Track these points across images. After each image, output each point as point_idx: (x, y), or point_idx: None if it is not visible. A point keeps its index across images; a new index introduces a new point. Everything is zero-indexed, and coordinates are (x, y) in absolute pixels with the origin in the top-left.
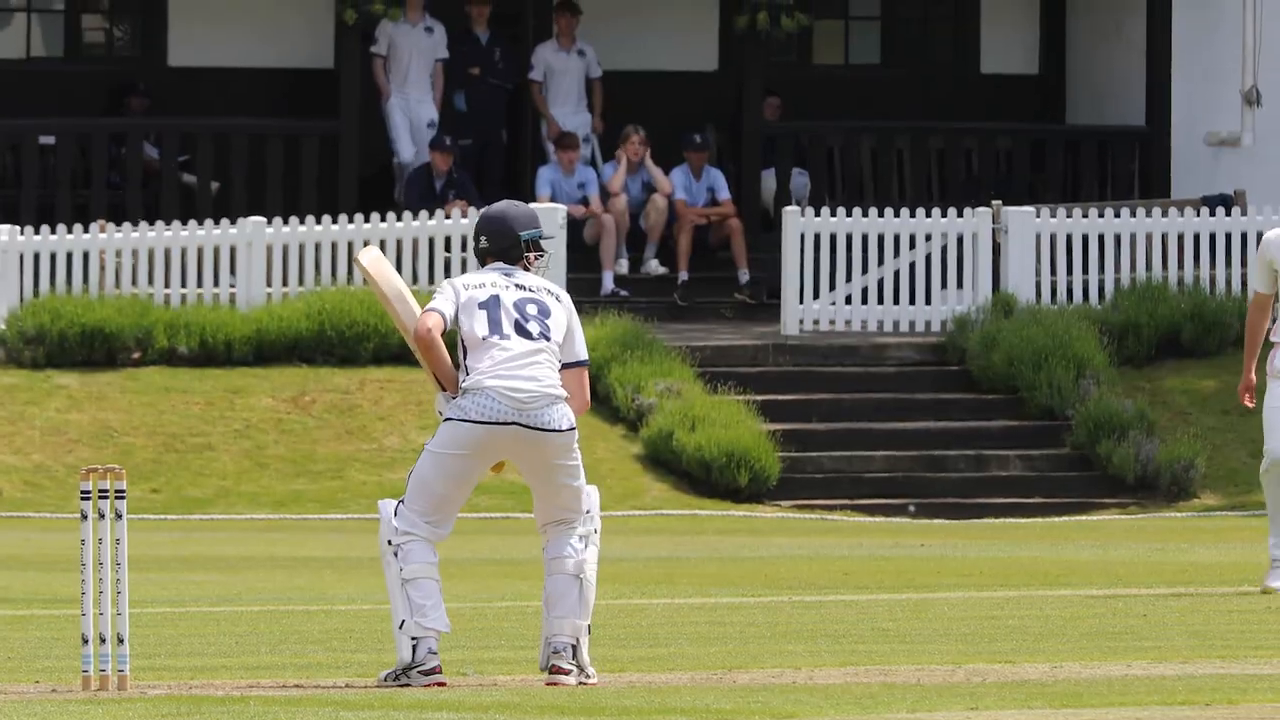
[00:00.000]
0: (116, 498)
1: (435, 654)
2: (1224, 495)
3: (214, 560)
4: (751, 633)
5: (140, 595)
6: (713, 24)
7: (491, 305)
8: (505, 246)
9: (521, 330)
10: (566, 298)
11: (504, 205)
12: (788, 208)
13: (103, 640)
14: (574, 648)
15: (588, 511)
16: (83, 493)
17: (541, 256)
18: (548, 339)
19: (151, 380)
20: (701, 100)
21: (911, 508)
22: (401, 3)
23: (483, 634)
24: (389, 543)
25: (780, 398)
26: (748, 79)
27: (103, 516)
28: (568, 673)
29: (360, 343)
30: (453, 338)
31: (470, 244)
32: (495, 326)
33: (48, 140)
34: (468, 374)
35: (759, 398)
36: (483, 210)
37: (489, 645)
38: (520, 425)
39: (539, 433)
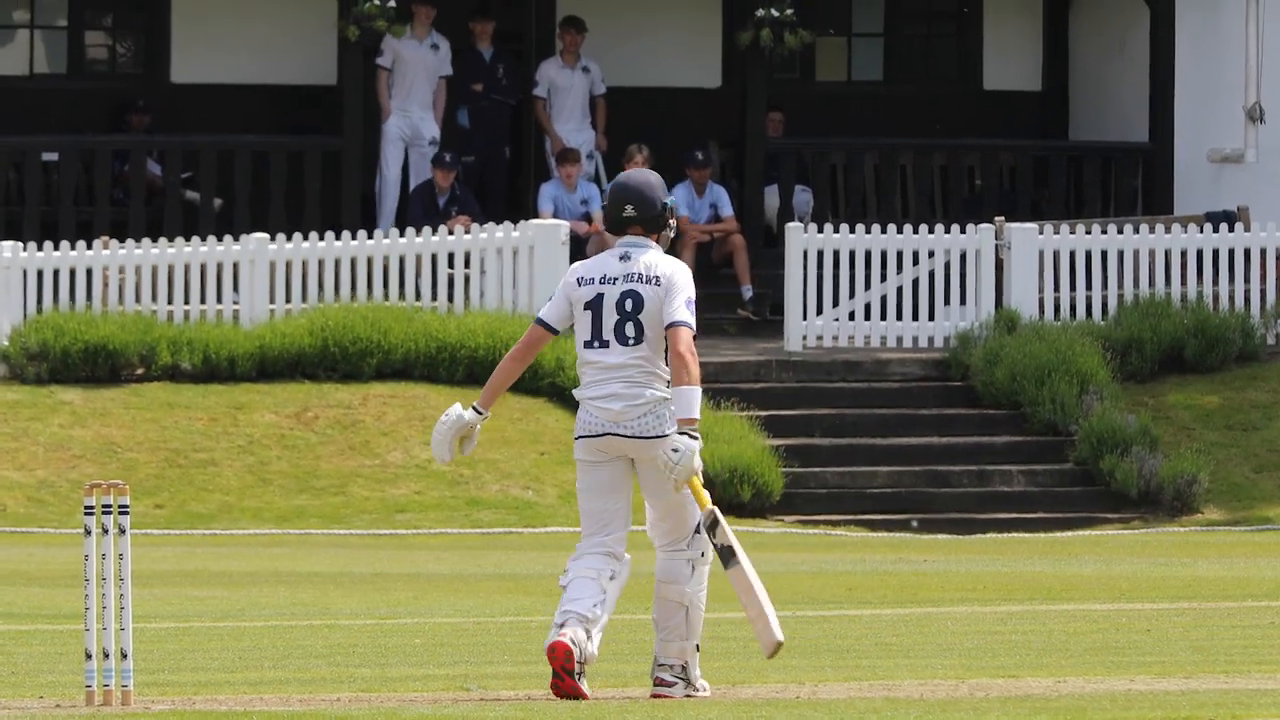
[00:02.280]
0: (120, 513)
1: (561, 628)
2: (1227, 510)
3: (217, 575)
4: (754, 648)
5: (144, 610)
6: (716, 41)
7: (595, 306)
8: (617, 221)
9: (620, 336)
10: (667, 275)
11: (627, 177)
12: (791, 224)
13: (106, 655)
14: (683, 666)
15: (697, 533)
16: (86, 508)
17: (660, 229)
18: (640, 341)
19: (155, 396)
20: (705, 116)
21: (915, 523)
22: (407, 20)
23: (486, 649)
24: (565, 571)
25: (783, 413)
26: (751, 95)
27: (106, 532)
28: (671, 685)
29: (363, 359)
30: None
31: (474, 261)
32: (596, 333)
33: (51, 157)
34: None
35: (762, 413)
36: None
37: (492, 660)
38: (616, 435)
39: (636, 440)
